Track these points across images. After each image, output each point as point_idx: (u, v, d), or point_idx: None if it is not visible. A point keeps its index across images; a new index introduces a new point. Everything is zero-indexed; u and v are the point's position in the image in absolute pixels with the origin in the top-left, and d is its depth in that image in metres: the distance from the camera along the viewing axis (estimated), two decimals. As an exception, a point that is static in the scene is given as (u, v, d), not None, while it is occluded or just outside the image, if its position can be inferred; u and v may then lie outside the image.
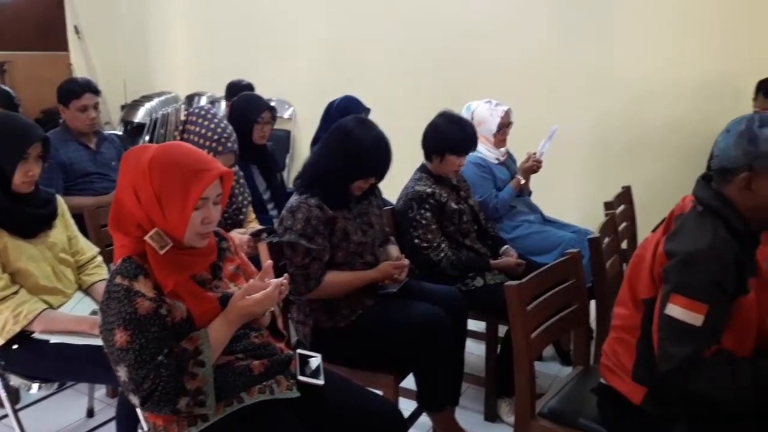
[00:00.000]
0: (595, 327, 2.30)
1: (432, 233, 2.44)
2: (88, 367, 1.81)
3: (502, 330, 2.42)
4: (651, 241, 1.58)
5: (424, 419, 2.28)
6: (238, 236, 2.24)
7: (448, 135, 2.48)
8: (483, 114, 2.97)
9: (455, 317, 2.11)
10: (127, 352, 1.32)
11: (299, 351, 1.63)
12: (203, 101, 5.35)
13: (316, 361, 1.61)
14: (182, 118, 2.42)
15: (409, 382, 2.13)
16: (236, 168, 2.47)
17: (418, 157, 2.60)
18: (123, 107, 5.66)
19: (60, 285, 1.97)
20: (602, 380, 1.69)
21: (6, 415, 2.01)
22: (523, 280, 1.77)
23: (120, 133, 4.63)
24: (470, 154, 2.79)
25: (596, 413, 1.70)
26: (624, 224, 2.77)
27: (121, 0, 5.95)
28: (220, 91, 4.61)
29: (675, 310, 1.42)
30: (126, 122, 5.54)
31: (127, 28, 5.87)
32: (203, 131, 2.21)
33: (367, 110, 3.31)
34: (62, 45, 5.77)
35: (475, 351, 2.77)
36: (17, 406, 2.05)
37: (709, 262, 1.41)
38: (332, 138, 2.08)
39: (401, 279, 2.11)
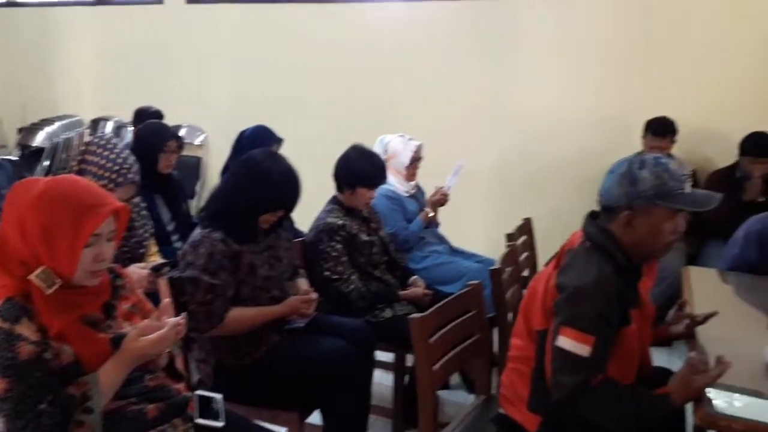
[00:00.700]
0: (500, 356, 2.37)
1: (342, 265, 2.44)
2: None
3: (412, 360, 2.45)
4: (543, 274, 1.67)
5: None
6: (138, 271, 2.15)
7: (360, 168, 2.52)
8: (396, 147, 3.04)
9: (363, 351, 2.12)
10: (4, 402, 1.23)
11: (198, 392, 1.58)
12: (109, 126, 5.13)
13: (216, 401, 1.57)
14: (85, 143, 2.32)
15: (316, 418, 2.11)
16: (138, 199, 2.39)
17: (331, 189, 2.61)
18: (20, 130, 5.34)
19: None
20: (501, 410, 1.74)
21: None
22: (426, 312, 1.81)
23: (15, 158, 4.35)
24: (382, 186, 2.86)
25: (496, 443, 1.75)
26: (525, 254, 2.89)
27: (22, 16, 5.65)
28: (129, 116, 4.45)
29: (565, 341, 1.50)
30: (23, 146, 5.22)
31: (28, 47, 5.57)
32: (102, 162, 2.13)
33: (280, 140, 3.31)
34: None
35: (384, 381, 2.78)
36: None
37: (594, 296, 1.50)
38: (240, 170, 2.06)
39: (309, 314, 2.10)
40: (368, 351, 2.22)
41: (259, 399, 1.99)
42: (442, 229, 3.22)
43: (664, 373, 1.75)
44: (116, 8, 5.33)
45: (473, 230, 3.94)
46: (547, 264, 1.70)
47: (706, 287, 2.32)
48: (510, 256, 2.55)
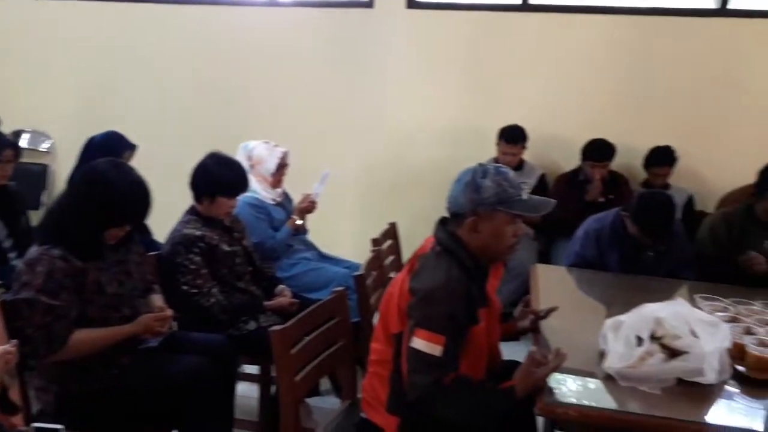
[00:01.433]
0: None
1: (202, 278, 2.36)
2: None
3: (277, 371, 2.41)
4: (398, 279, 1.72)
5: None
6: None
7: (219, 177, 2.44)
8: (261, 154, 2.99)
9: (223, 366, 2.05)
10: None
11: (36, 424, 1.45)
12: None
13: (56, 433, 1.44)
14: None
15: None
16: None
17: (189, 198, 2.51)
18: None
19: None
20: (363, 414, 1.77)
21: None
22: (286, 324, 1.79)
23: None
24: (246, 194, 2.80)
25: (359, 448, 1.77)
26: (390, 258, 2.97)
27: None
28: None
29: (418, 342, 1.56)
30: None
31: None
32: None
33: (133, 147, 3.13)
34: None
35: (251, 394, 2.72)
36: None
37: (444, 298, 1.57)
38: (81, 182, 1.91)
39: (163, 331, 1.99)
40: (229, 366, 2.15)
41: (110, 426, 1.86)
42: (311, 236, 3.22)
43: (515, 366, 1.87)
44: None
45: (342, 236, 3.97)
46: (401, 269, 1.75)
47: (551, 283, 2.51)
48: (375, 261, 2.60)
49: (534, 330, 1.95)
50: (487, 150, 3.87)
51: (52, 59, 4.53)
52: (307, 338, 1.88)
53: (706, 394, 1.58)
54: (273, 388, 2.51)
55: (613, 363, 1.59)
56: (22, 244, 2.59)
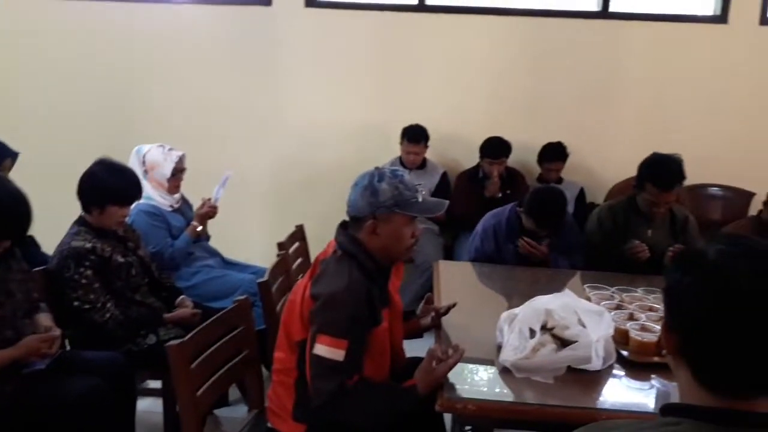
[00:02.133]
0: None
1: (95, 293, 2.23)
2: None
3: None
4: (300, 285, 1.71)
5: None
6: None
7: (108, 184, 2.32)
8: (156, 159, 2.87)
9: (120, 385, 1.96)
10: None
11: None
12: None
13: None
14: None
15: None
16: None
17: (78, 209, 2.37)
18: None
19: None
20: (268, 424, 1.75)
21: None
22: (185, 337, 1.73)
23: None
24: (141, 202, 2.68)
25: (265, 457, 1.75)
26: (299, 261, 2.94)
27: None
28: None
29: (320, 348, 1.56)
30: None
31: None
32: None
33: (15, 154, 2.90)
34: None
35: (156, 409, 2.61)
36: None
37: (346, 302, 1.58)
38: (-50, 196, 1.76)
39: (51, 353, 1.87)
40: (127, 384, 2.06)
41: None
42: (214, 242, 3.13)
43: (419, 363, 1.90)
44: None
45: (248, 240, 3.90)
46: (302, 275, 1.74)
47: (453, 278, 2.59)
48: (280, 266, 2.57)
49: (436, 326, 2.00)
50: (392, 149, 3.93)
51: None
52: (209, 350, 1.83)
53: (594, 379, 1.68)
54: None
55: (508, 356, 1.66)
56: None
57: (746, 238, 0.93)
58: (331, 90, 4.09)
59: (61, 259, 2.22)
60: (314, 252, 3.13)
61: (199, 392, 1.74)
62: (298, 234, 3.05)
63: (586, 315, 1.73)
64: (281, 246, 2.76)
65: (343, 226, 1.76)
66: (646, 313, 1.95)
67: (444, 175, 3.94)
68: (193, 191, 3.06)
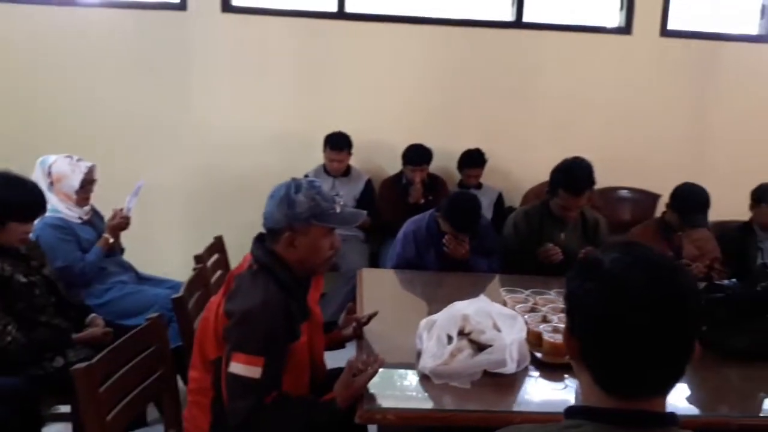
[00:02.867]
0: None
1: (-7, 316, 2.09)
2: None
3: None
4: (214, 302, 1.66)
5: None
6: None
7: (8, 199, 2.17)
8: (63, 170, 2.73)
9: (22, 412, 1.84)
10: None
11: None
12: None
13: None
14: None
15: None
16: None
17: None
18: None
19: None
20: (185, 446, 1.69)
21: None
22: (93, 360, 1.65)
23: None
24: (47, 215, 2.53)
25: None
26: (218, 273, 2.86)
27: None
28: None
29: (236, 367, 1.52)
30: None
31: None
32: None
33: None
34: None
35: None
36: None
37: (262, 318, 1.55)
38: None
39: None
40: (30, 411, 1.93)
41: None
42: (129, 256, 3.00)
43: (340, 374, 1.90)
44: None
45: (165, 253, 3.76)
46: (216, 292, 1.69)
47: (377, 286, 2.59)
48: (198, 280, 2.48)
49: (358, 336, 2.00)
50: (316, 157, 3.91)
51: None
52: (120, 371, 1.74)
53: (510, 382, 1.73)
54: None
55: (426, 362, 1.68)
56: None
57: (641, 246, 0.98)
58: (250, 97, 4.02)
59: (-45, 280, 2.07)
60: (235, 264, 3.06)
61: (110, 416, 1.65)
62: (217, 246, 2.97)
63: (500, 319, 1.78)
64: (198, 259, 2.67)
65: (260, 239, 1.72)
66: (558, 315, 2.02)
67: (368, 182, 3.95)
68: (105, 202, 2.92)
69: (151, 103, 3.96)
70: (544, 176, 2.96)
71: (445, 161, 4.00)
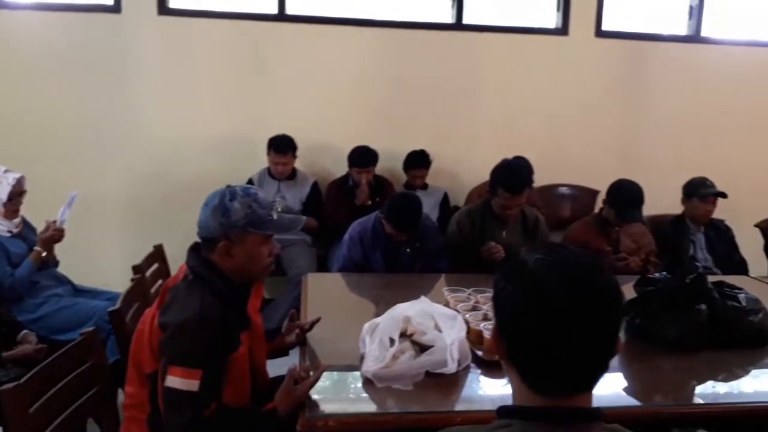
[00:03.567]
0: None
1: None
2: None
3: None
4: (148, 315, 1.62)
5: None
6: None
7: (-72, 214, 2.07)
8: (-10, 182, 2.61)
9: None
10: None
11: None
12: None
13: None
14: None
15: None
16: None
17: None
18: None
19: None
20: (123, 464, 1.64)
21: None
22: (22, 379, 1.58)
23: None
24: (-27, 229, 2.42)
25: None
26: (159, 283, 2.79)
27: None
28: None
29: (173, 380, 1.48)
30: None
31: None
32: None
33: None
34: None
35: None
36: None
37: (197, 330, 1.51)
38: None
39: None
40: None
41: None
42: (64, 268, 2.90)
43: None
44: None
45: (103, 264, 3.65)
46: (151, 304, 1.65)
47: (322, 291, 2.57)
48: (136, 290, 2.42)
49: (301, 343, 1.98)
50: (260, 161, 3.86)
51: None
52: (53, 390, 1.68)
53: (453, 382, 1.74)
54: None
55: (369, 366, 1.68)
56: None
57: (564, 247, 1.00)
58: (189, 101, 3.94)
59: None
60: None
61: (41, 439, 1.59)
62: (157, 254, 2.89)
63: (441, 319, 1.79)
64: (137, 269, 2.60)
65: (195, 248, 1.69)
66: (499, 313, 2.04)
67: (315, 185, 3.93)
68: (37, 214, 2.81)
69: (86, 110, 3.84)
70: (485, 176, 3.01)
71: (391, 162, 4.02)
